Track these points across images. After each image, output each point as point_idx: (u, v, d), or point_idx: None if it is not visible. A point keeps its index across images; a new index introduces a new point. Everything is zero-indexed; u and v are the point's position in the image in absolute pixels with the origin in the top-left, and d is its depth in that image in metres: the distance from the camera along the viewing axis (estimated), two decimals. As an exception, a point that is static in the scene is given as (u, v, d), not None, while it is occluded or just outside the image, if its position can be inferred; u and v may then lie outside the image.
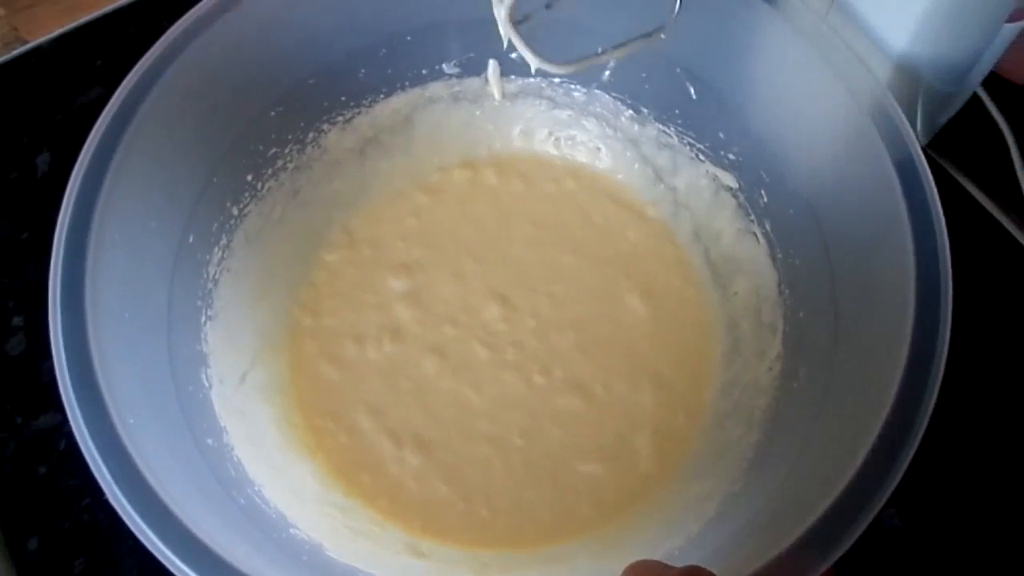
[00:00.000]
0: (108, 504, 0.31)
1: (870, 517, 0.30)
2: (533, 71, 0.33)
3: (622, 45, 0.33)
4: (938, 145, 0.50)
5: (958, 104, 0.47)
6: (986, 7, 0.39)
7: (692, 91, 0.45)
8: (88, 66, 0.58)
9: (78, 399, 0.32)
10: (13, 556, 0.43)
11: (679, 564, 0.36)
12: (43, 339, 0.33)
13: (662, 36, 0.34)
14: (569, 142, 0.51)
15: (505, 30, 0.32)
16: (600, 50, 0.37)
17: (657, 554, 0.37)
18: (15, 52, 0.58)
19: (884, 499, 0.31)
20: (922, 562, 0.43)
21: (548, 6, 0.35)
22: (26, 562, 0.43)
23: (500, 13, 0.32)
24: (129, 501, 0.30)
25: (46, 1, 0.59)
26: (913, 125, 0.46)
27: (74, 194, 0.36)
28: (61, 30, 0.59)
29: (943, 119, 0.48)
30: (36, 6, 0.59)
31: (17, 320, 0.49)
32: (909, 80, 0.43)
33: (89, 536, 0.43)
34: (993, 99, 0.49)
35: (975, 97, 0.48)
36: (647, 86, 0.46)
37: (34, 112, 0.56)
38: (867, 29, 0.41)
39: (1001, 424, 0.45)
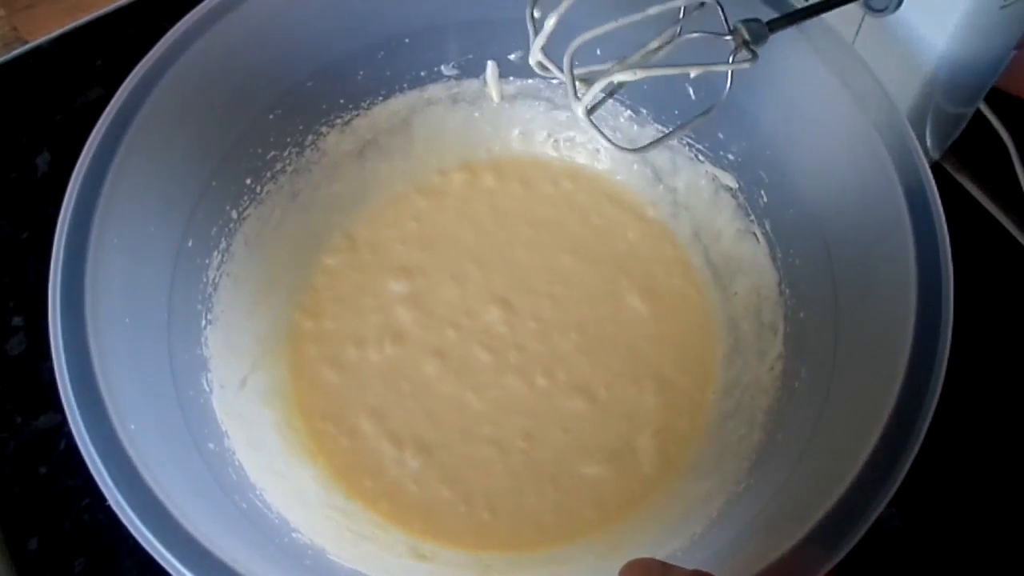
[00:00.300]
0: (108, 504, 0.31)
1: (873, 517, 0.30)
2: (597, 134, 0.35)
3: (683, 125, 0.36)
4: (946, 151, 0.50)
5: (964, 122, 0.47)
6: (1007, 27, 0.40)
7: (691, 91, 0.45)
8: (88, 66, 0.57)
9: (79, 404, 0.32)
10: (13, 556, 0.43)
11: (683, 565, 0.36)
12: (43, 339, 0.33)
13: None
14: (568, 143, 0.51)
15: (585, 124, 0.34)
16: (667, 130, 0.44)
17: (660, 554, 0.37)
18: (15, 52, 0.58)
19: (887, 499, 0.31)
20: (922, 562, 0.43)
21: (611, 94, 0.38)
22: (26, 562, 0.43)
23: (578, 110, 0.34)
24: (131, 506, 0.30)
25: (46, 1, 0.59)
26: (923, 143, 0.47)
27: (73, 198, 0.36)
28: (61, 30, 0.58)
29: (952, 138, 0.48)
30: (36, 6, 0.59)
31: (17, 320, 0.49)
32: (924, 101, 0.43)
33: (89, 536, 0.43)
34: (993, 111, 0.50)
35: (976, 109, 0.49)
36: (645, 86, 0.46)
37: (34, 112, 0.56)
38: (894, 51, 0.42)
39: (1002, 424, 0.46)
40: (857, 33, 0.41)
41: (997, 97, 0.49)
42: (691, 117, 0.36)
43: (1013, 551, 0.43)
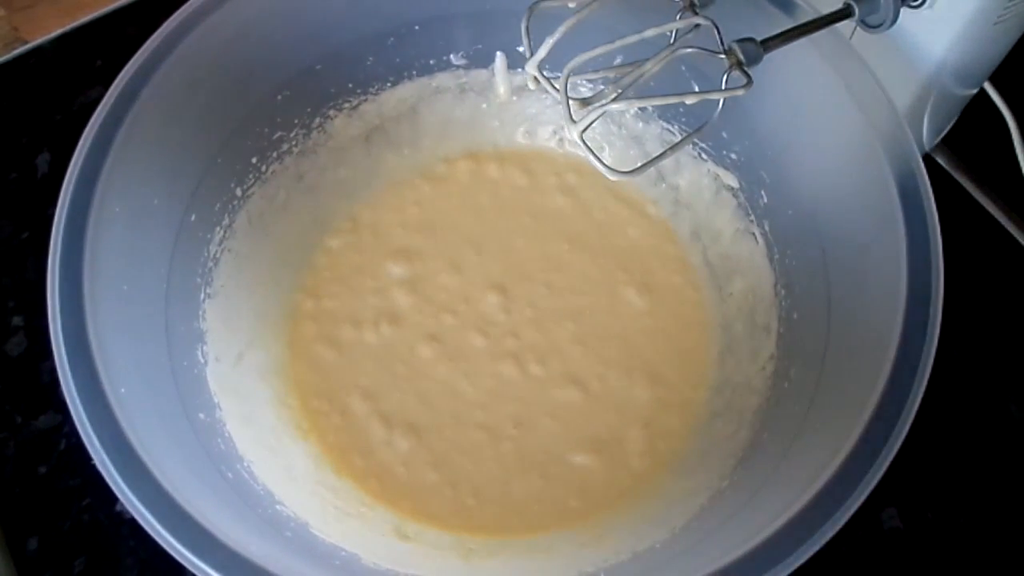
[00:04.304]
0: (108, 504, 0.31)
1: (846, 517, 0.31)
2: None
3: (679, 144, 0.36)
4: (941, 141, 0.50)
5: (960, 110, 0.47)
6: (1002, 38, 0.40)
7: (696, 89, 0.45)
8: (88, 66, 0.58)
9: (70, 360, 0.33)
10: (13, 556, 0.43)
11: (660, 556, 0.36)
12: (43, 339, 0.33)
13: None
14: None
15: (580, 146, 0.35)
16: (670, 127, 0.47)
17: (641, 546, 0.38)
18: (15, 52, 0.58)
19: (860, 500, 0.31)
20: (922, 562, 0.43)
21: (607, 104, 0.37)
22: (26, 562, 0.43)
23: (574, 133, 0.35)
24: (113, 464, 0.31)
25: (46, 1, 0.59)
26: (920, 129, 0.47)
27: (79, 162, 0.37)
28: (61, 30, 0.59)
29: (947, 127, 0.48)
30: (36, 6, 0.59)
31: (17, 320, 0.49)
32: (921, 98, 0.43)
33: (89, 536, 0.44)
34: (995, 86, 0.50)
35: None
36: (651, 83, 0.46)
37: (34, 112, 0.56)
38: (900, 38, 0.42)
39: (1002, 425, 0.45)
40: (852, 33, 0.41)
41: (1001, 77, 0.49)
42: (682, 138, 0.36)
43: (1013, 551, 0.43)
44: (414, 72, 0.49)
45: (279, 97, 0.45)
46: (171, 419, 0.36)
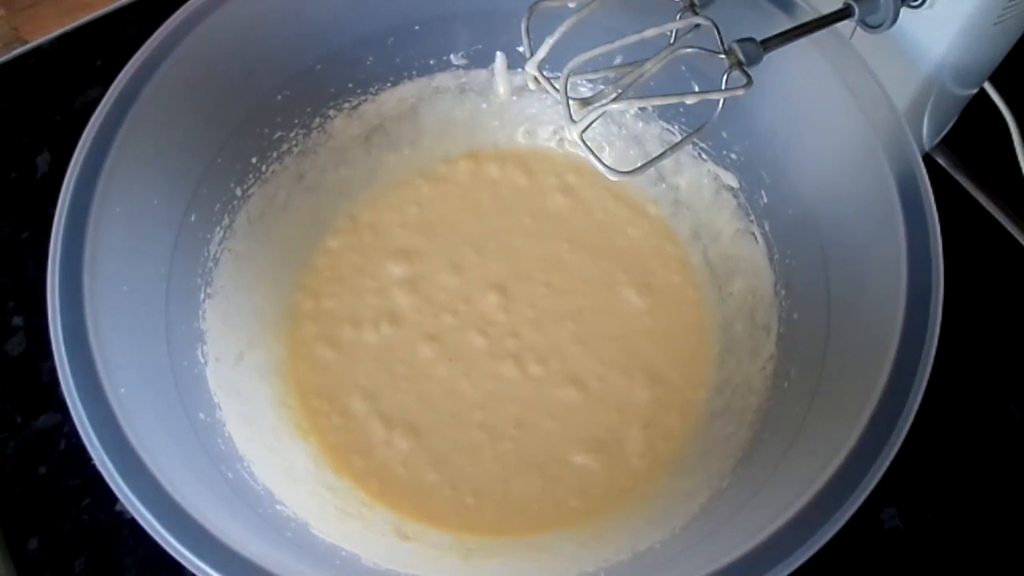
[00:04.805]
0: (108, 504, 0.31)
1: (844, 518, 0.31)
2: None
3: (679, 144, 0.36)
4: (941, 141, 0.50)
5: (960, 109, 0.47)
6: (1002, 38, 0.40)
7: (696, 89, 0.45)
8: (88, 66, 0.58)
9: (71, 363, 0.33)
10: (13, 556, 0.43)
11: (660, 556, 0.36)
12: (43, 339, 0.33)
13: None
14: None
15: (583, 149, 0.35)
16: (671, 127, 0.47)
17: (641, 546, 0.38)
18: (15, 52, 0.58)
19: (860, 500, 0.31)
20: (923, 563, 0.43)
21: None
22: (26, 562, 0.43)
23: (574, 133, 0.35)
24: (113, 464, 0.31)
25: (46, 1, 0.59)
26: (920, 129, 0.47)
27: (78, 166, 0.37)
28: (61, 30, 0.58)
29: (948, 126, 0.48)
30: (36, 6, 0.59)
31: (17, 320, 0.49)
32: (922, 97, 0.43)
33: (89, 536, 0.44)
34: (995, 86, 0.50)
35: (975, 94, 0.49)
36: (651, 83, 0.46)
37: (34, 112, 0.56)
38: (900, 38, 0.42)
39: (1002, 425, 0.46)
40: (852, 33, 0.41)
41: (1001, 77, 0.49)
42: (682, 138, 0.36)
43: (1013, 551, 0.43)
44: (414, 72, 0.49)
45: (279, 97, 0.45)
46: (171, 419, 0.36)
